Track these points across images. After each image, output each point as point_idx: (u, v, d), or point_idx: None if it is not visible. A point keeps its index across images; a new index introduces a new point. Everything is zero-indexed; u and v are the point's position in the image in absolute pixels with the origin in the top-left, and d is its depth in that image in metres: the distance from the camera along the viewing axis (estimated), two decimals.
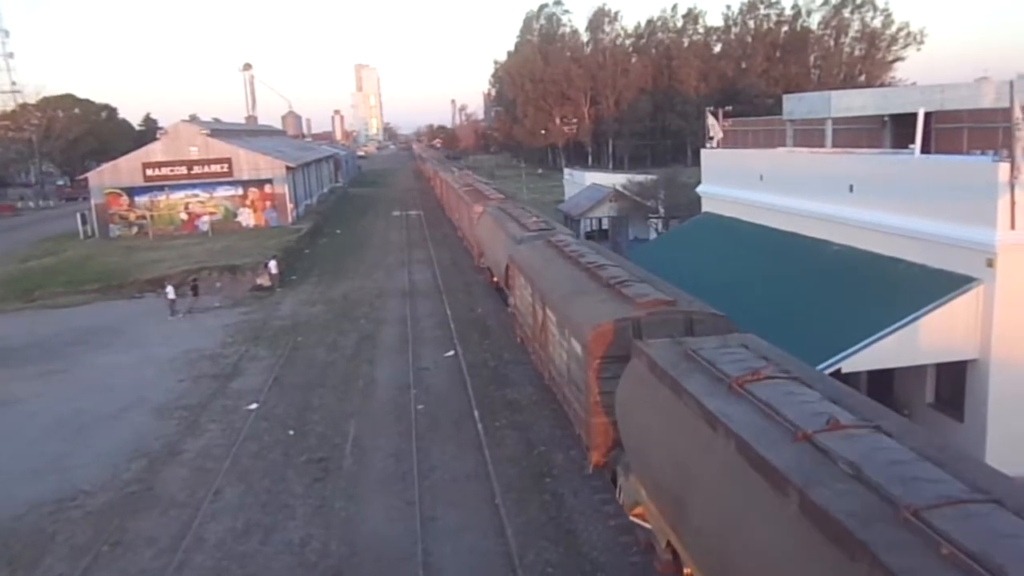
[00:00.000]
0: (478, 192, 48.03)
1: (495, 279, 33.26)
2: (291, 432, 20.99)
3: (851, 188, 20.49)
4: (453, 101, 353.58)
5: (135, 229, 58.97)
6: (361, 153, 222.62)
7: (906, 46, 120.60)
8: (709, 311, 14.88)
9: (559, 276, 19.70)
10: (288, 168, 62.08)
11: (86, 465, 19.37)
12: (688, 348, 12.11)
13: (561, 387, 18.18)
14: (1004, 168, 15.54)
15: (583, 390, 15.30)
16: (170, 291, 35.92)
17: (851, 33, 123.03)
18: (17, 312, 37.77)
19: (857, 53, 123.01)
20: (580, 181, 63.71)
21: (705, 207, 31.26)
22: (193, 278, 39.51)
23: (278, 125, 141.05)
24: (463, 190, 51.29)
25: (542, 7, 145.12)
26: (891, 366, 17.45)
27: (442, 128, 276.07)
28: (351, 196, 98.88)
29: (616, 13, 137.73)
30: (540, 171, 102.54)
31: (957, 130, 27.79)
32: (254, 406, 23.09)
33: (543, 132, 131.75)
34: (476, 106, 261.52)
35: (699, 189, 31.94)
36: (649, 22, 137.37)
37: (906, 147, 25.53)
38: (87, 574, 14.52)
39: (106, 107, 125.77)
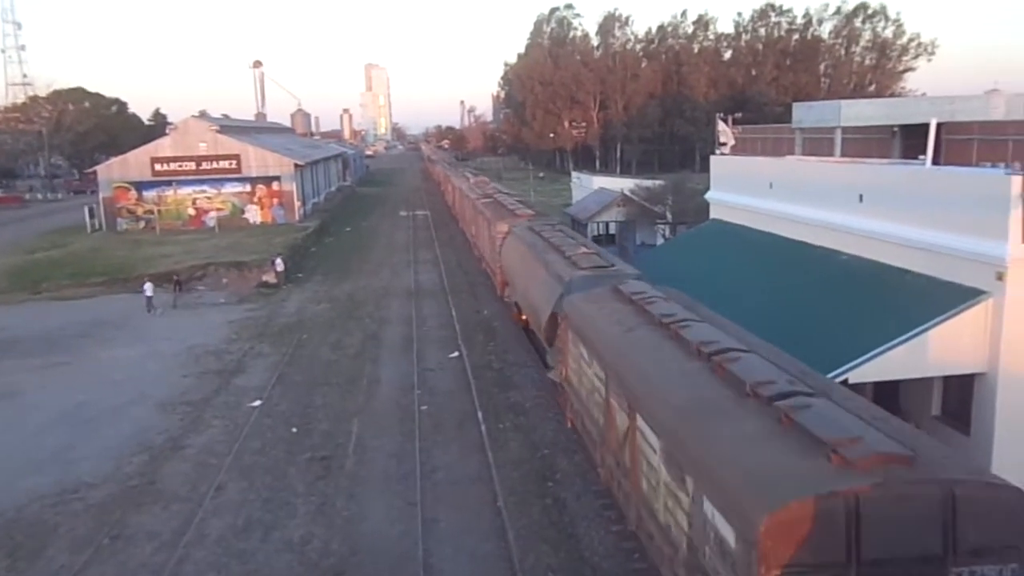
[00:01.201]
0: (500, 206, 38.46)
1: (523, 317, 26.67)
2: (294, 430, 20.97)
3: (861, 198, 20.41)
4: (462, 102, 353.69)
5: (142, 223, 59.10)
6: (369, 152, 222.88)
7: (917, 56, 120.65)
8: (986, 479, 8.43)
9: (656, 363, 12.56)
10: (296, 166, 62.17)
11: (89, 458, 19.38)
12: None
13: (668, 559, 11.10)
14: (1017, 181, 15.46)
15: None
16: (148, 288, 35.72)
17: (862, 43, 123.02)
18: (23, 304, 37.86)
19: (868, 63, 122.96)
20: (588, 185, 63.76)
21: (713, 214, 31.19)
22: (175, 275, 39.03)
23: (287, 123, 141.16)
24: (482, 202, 42.12)
25: (553, 10, 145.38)
26: (898, 378, 17.36)
27: (450, 129, 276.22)
28: (358, 195, 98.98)
29: (627, 18, 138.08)
30: (542, 175, 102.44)
31: (967, 142, 27.65)
32: (257, 403, 23.08)
33: (552, 135, 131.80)
34: (485, 108, 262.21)
35: (708, 195, 31.87)
36: (660, 27, 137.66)
37: (915, 158, 25.44)
38: (88, 566, 14.51)
39: (116, 101, 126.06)
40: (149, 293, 35.53)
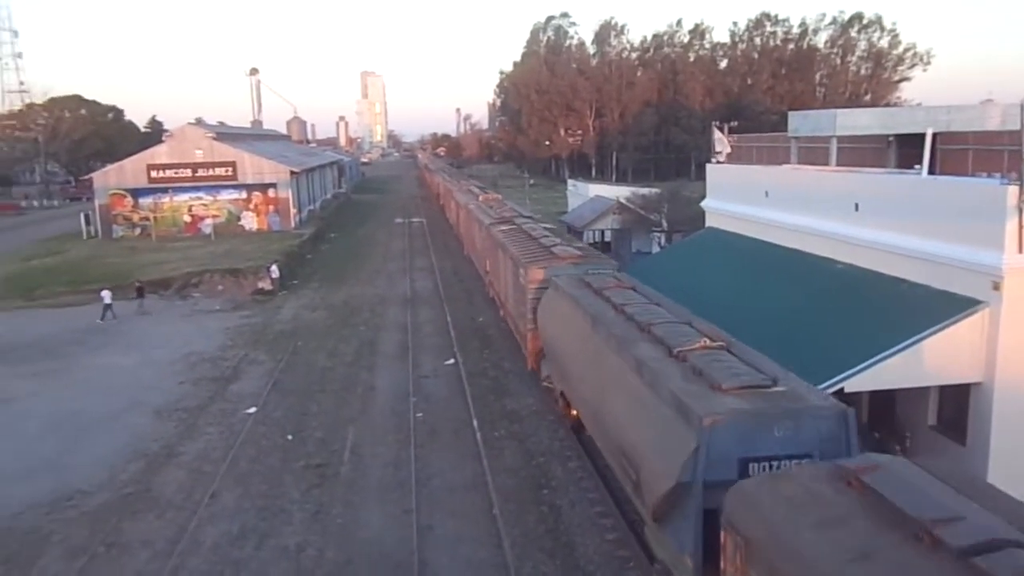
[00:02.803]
0: (529, 239, 28.13)
1: (573, 412, 18.79)
2: (289, 437, 20.92)
3: (856, 207, 20.46)
4: (458, 110, 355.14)
5: (138, 230, 58.96)
6: (365, 160, 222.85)
7: (912, 66, 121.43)
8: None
9: None
10: (292, 173, 62.13)
11: (84, 465, 19.30)
12: None
13: None
14: (1013, 191, 15.51)
15: None
16: (106, 295, 35.51)
17: (858, 52, 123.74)
18: (18, 310, 37.73)
19: (863, 72, 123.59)
20: (583, 193, 63.80)
21: (709, 222, 31.24)
22: (137, 281, 38.61)
23: (283, 130, 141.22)
24: (501, 231, 31.82)
25: (549, 19, 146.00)
26: (893, 387, 17.38)
27: (446, 137, 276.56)
28: (354, 202, 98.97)
29: (623, 27, 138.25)
30: (532, 182, 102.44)
31: (962, 152, 27.78)
32: (253, 410, 23.03)
33: (547, 143, 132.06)
34: (480, 115, 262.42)
35: (704, 204, 31.92)
36: (655, 36, 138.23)
37: (911, 167, 25.55)
38: (83, 575, 14.43)
39: (112, 108, 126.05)
40: (108, 300, 35.36)
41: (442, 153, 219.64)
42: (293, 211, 62.01)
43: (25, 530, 16.21)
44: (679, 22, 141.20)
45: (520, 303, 24.54)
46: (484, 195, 51.44)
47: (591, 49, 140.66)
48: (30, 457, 19.93)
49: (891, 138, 30.09)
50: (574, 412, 18.58)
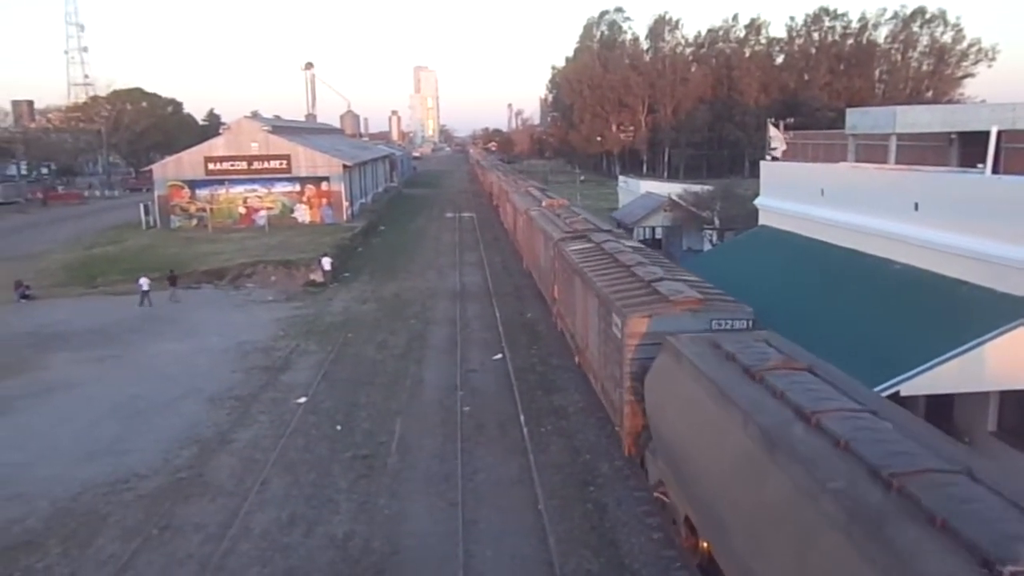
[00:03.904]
0: (617, 266, 21.42)
1: (703, 545, 12.96)
2: (338, 427, 21.20)
3: (916, 206, 19.95)
4: (510, 105, 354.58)
5: (195, 221, 60.32)
6: (416, 154, 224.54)
7: (976, 62, 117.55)
8: None
9: None
10: (345, 167, 62.90)
11: (140, 450, 19.83)
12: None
13: None
14: None
15: None
16: (144, 283, 36.50)
17: (919, 48, 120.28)
18: (80, 297, 38.92)
19: (925, 68, 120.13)
20: (635, 189, 63.41)
21: (762, 220, 30.77)
22: (170, 270, 39.43)
23: (337, 124, 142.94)
24: (578, 255, 24.43)
25: (603, 14, 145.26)
26: (952, 391, 16.92)
27: (498, 132, 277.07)
28: (405, 196, 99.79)
29: (677, 21, 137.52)
30: (583, 178, 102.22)
31: None
32: (303, 400, 23.38)
33: (599, 139, 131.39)
34: (532, 111, 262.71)
35: (757, 201, 31.45)
36: (710, 31, 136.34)
37: (974, 166, 24.83)
38: (137, 556, 14.83)
39: (172, 101, 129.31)
40: (145, 287, 36.30)
41: (493, 148, 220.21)
42: (345, 204, 62.77)
43: (84, 511, 16.71)
44: (735, 17, 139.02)
45: (611, 360, 18.15)
46: (548, 200, 42.85)
47: (645, 44, 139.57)
48: (90, 440, 20.54)
49: (953, 136, 29.31)
50: (704, 545, 12.72)
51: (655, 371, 15.14)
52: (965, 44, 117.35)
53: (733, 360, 12.95)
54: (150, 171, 64.03)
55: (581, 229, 29.39)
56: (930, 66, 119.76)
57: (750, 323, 16.25)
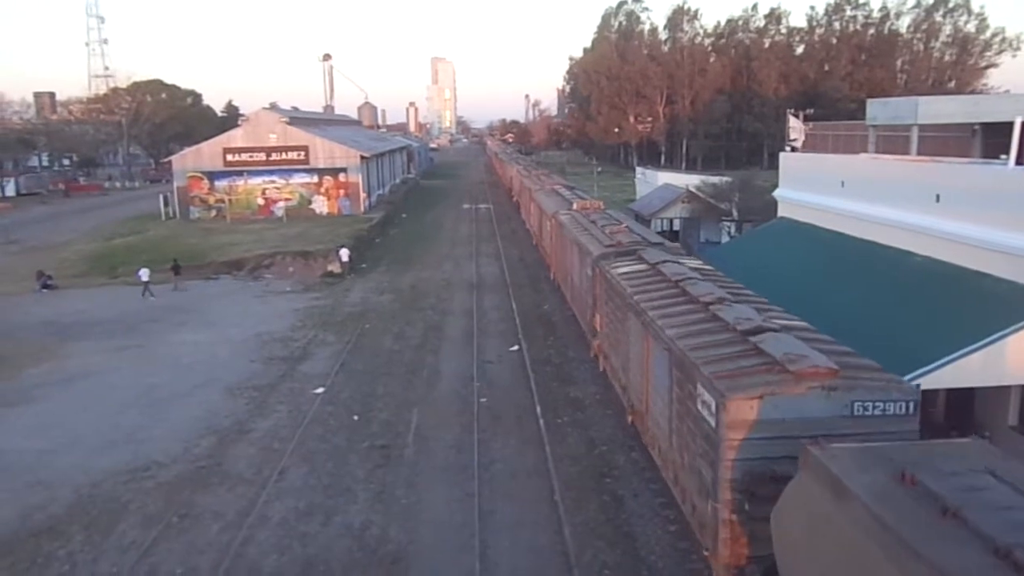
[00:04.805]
0: (687, 301, 16.19)
1: None
2: (355, 417, 21.30)
3: (937, 198, 19.75)
4: (527, 96, 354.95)
5: (213, 212, 60.68)
6: (434, 145, 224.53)
7: (1000, 52, 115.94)
8: None
9: None
10: (362, 158, 63.01)
11: (160, 438, 20.02)
12: None
13: None
14: None
15: None
16: (143, 273, 36.68)
17: (942, 37, 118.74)
18: (101, 287, 39.30)
19: (948, 58, 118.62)
20: (652, 181, 63.15)
21: (781, 211, 30.56)
22: (173, 260, 39.65)
23: (354, 115, 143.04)
24: (630, 282, 18.95)
25: (621, 4, 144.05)
26: (974, 385, 16.76)
27: (515, 123, 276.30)
28: (423, 187, 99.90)
29: (696, 12, 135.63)
30: (600, 169, 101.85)
31: None
32: (320, 390, 23.51)
33: (617, 130, 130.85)
34: (549, 102, 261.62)
35: (776, 193, 31.23)
36: (729, 21, 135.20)
37: (997, 158, 24.48)
38: (157, 543, 14.99)
39: (191, 93, 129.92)
40: (145, 278, 36.52)
41: (510, 139, 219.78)
42: (363, 195, 62.90)
43: (105, 498, 16.91)
44: (754, 7, 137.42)
45: (695, 450, 12.73)
46: (580, 201, 36.60)
47: (663, 35, 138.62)
48: (111, 429, 20.76)
49: (976, 127, 28.88)
50: None
51: (791, 501, 9.89)
52: (989, 34, 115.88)
53: (958, 520, 7.59)
54: (169, 162, 64.41)
55: (626, 243, 24.10)
56: (953, 56, 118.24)
57: (910, 407, 11.23)
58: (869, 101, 30.63)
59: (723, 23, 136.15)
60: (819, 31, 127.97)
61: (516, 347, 27.68)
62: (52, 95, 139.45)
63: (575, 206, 34.92)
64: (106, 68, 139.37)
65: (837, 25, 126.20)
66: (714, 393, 11.56)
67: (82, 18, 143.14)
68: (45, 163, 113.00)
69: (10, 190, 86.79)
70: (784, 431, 10.86)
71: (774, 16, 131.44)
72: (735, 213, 47.81)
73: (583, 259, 25.74)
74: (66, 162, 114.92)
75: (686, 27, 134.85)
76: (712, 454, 11.66)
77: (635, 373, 17.60)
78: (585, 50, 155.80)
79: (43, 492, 17.16)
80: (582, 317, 26.81)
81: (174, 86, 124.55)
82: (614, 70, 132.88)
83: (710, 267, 20.44)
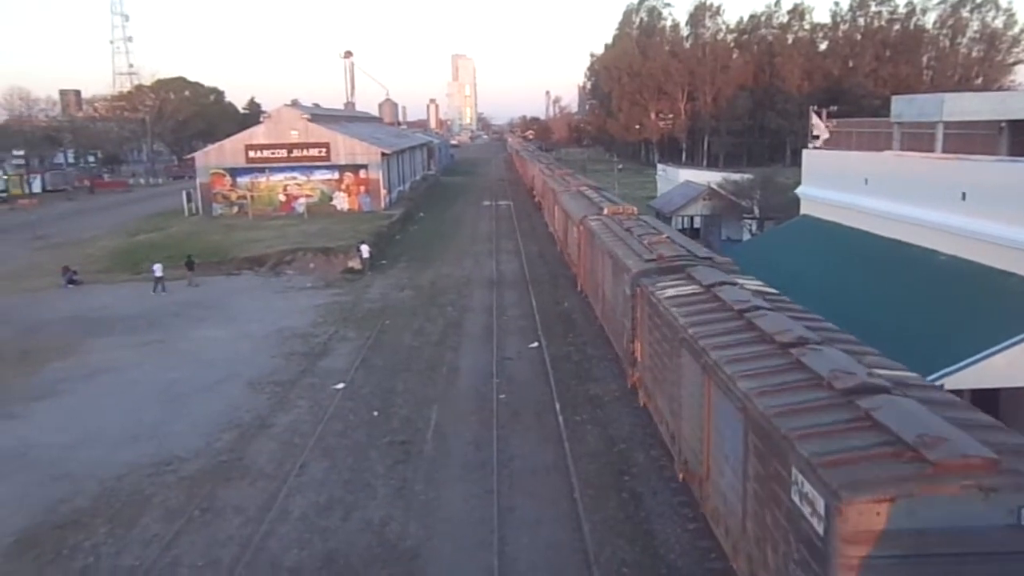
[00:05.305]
0: (765, 344, 12.26)
1: None
2: (375, 413, 21.39)
3: (963, 196, 19.49)
4: (547, 93, 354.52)
5: (235, 208, 61.14)
6: (454, 142, 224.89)
7: None
8: None
9: None
10: (383, 155, 63.23)
11: (182, 433, 20.21)
12: None
13: None
14: None
15: None
16: (157, 269, 37.24)
17: (969, 33, 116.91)
18: (124, 283, 39.72)
19: (975, 54, 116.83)
20: (673, 178, 62.88)
21: (804, 209, 30.31)
22: (188, 255, 40.22)
23: (375, 112, 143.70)
24: (687, 316, 14.88)
25: (643, 0, 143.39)
26: (1000, 385, 16.54)
27: (535, 120, 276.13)
28: (443, 184, 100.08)
29: (718, 7, 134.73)
30: (621, 166, 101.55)
31: None
32: (341, 386, 23.63)
33: (638, 127, 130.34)
34: (570, 99, 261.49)
35: (798, 190, 30.98)
36: (752, 17, 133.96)
37: None
38: (180, 536, 15.15)
39: (214, 90, 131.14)
40: (159, 274, 36.99)
41: (530, 136, 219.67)
42: (383, 192, 63.14)
43: (128, 491, 17.10)
44: (777, 2, 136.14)
45: (793, 558, 9.13)
46: (611, 207, 33.59)
47: (685, 31, 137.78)
48: (134, 424, 20.99)
49: (1003, 124, 28.48)
50: None
51: None
52: (1017, 29, 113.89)
53: None
54: (192, 159, 65.01)
55: (669, 256, 20.86)
56: (980, 52, 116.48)
57: None
58: (894, 98, 30.29)
59: (746, 19, 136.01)
60: (843, 27, 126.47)
61: (535, 344, 27.67)
62: (78, 92, 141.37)
63: (606, 211, 32.13)
64: (130, 66, 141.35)
65: (861, 21, 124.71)
66: (821, 488, 8.24)
67: (107, 16, 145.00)
68: (71, 160, 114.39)
69: (36, 187, 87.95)
70: (923, 547, 7.86)
71: (797, 12, 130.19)
72: (757, 211, 47.49)
73: (618, 275, 22.58)
74: (91, 159, 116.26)
75: (708, 23, 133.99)
76: (818, 570, 8.38)
77: (691, 425, 14.23)
78: (606, 46, 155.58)
79: (68, 485, 17.39)
80: (616, 340, 23.76)
81: (197, 83, 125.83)
82: (635, 66, 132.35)
83: (774, 290, 16.89)
